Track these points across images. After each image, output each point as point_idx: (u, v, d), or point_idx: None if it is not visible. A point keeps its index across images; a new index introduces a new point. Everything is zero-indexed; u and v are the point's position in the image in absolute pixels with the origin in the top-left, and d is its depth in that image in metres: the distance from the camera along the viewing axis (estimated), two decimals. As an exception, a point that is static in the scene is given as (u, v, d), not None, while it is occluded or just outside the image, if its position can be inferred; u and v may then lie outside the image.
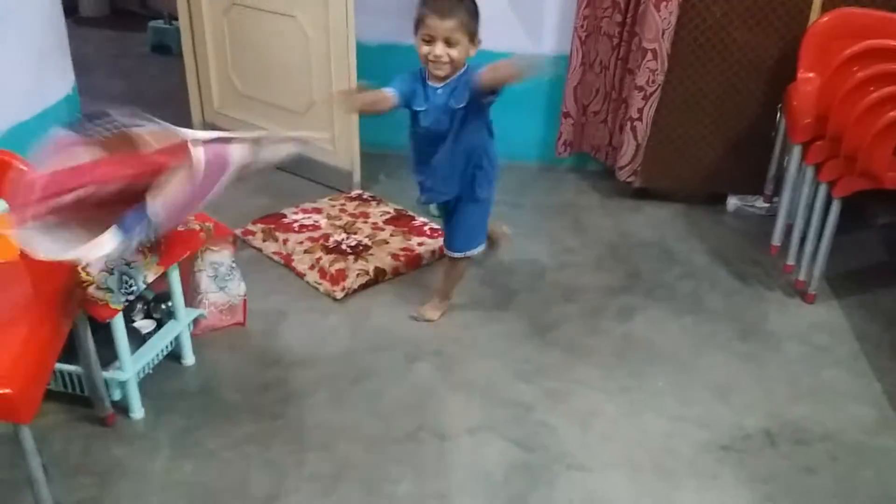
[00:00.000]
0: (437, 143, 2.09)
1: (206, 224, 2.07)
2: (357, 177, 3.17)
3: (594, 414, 2.01)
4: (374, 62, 3.18)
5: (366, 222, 2.85)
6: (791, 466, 1.87)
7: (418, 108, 2.06)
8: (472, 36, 1.97)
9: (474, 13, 1.97)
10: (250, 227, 2.80)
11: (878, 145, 2.20)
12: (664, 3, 2.78)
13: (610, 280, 2.63)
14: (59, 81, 2.52)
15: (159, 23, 5.23)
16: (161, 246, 1.86)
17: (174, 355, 2.12)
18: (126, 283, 1.75)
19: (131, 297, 1.78)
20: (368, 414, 1.99)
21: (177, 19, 4.98)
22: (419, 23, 1.97)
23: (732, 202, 3.12)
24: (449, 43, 1.94)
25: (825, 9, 2.72)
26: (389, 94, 2.02)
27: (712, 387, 2.13)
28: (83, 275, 1.71)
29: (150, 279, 1.82)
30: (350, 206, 2.98)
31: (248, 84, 3.36)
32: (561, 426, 1.97)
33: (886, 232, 3.01)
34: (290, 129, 3.27)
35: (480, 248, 2.29)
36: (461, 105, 2.01)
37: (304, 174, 3.29)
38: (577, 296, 2.53)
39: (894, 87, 2.17)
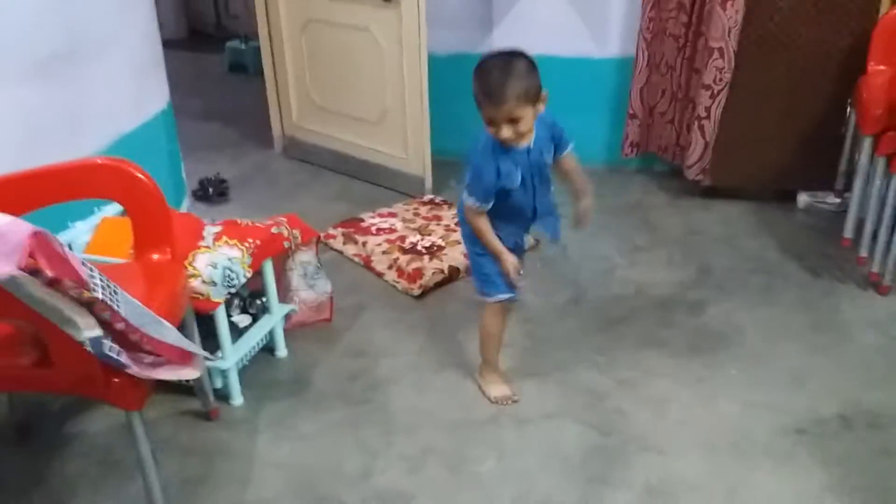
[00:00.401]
0: (535, 198, 1.97)
1: (293, 231, 2.23)
2: (429, 182, 3.30)
3: (668, 401, 2.08)
4: (444, 72, 3.32)
5: (438, 224, 2.97)
6: (867, 449, 1.90)
7: (513, 183, 1.87)
8: (535, 99, 1.78)
9: (529, 74, 1.76)
10: (331, 231, 2.96)
11: (952, 134, 2.20)
12: (730, 2, 2.83)
13: (681, 276, 2.69)
14: (157, 96, 2.73)
15: (235, 43, 5.49)
16: (253, 247, 2.02)
17: (268, 348, 2.27)
18: (228, 276, 1.90)
19: (233, 290, 1.93)
20: (450, 400, 2.10)
21: (252, 39, 5.28)
22: (478, 104, 1.80)
23: (803, 199, 3.13)
24: (512, 121, 1.77)
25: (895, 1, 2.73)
26: (483, 210, 1.89)
27: (786, 375, 2.16)
28: (190, 269, 1.87)
29: (248, 275, 1.97)
30: (423, 210, 3.11)
31: (326, 97, 3.53)
32: (635, 412, 2.04)
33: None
34: (365, 138, 3.44)
35: None
36: (551, 160, 1.96)
37: (379, 181, 3.44)
38: (649, 291, 2.59)
39: (967, 75, 2.18)
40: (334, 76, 3.44)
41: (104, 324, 1.29)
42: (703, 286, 2.61)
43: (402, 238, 2.85)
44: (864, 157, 2.63)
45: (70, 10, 2.20)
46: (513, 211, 1.94)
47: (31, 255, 1.15)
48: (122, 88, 2.50)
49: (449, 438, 1.96)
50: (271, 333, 2.24)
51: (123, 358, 1.33)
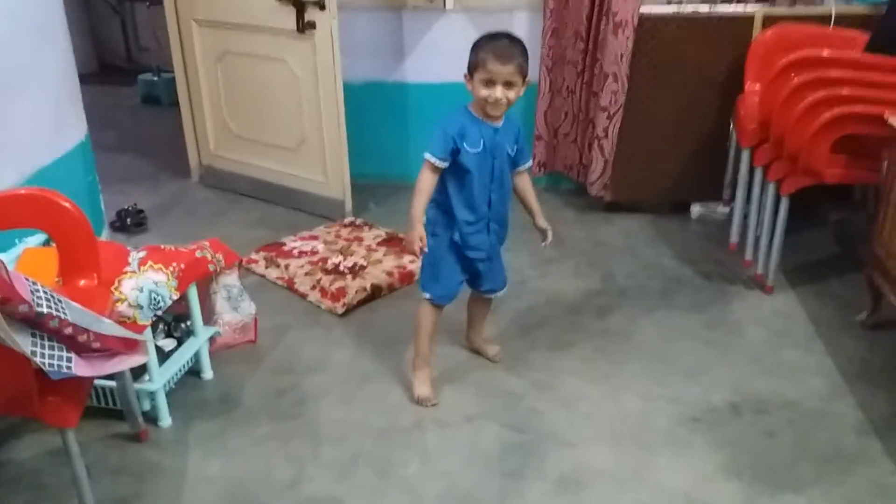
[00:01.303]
0: (492, 184, 2.11)
1: (217, 255, 2.30)
2: (349, 205, 3.41)
3: (578, 398, 2.24)
4: (359, 99, 3.46)
5: (360, 245, 3.08)
6: (754, 431, 2.10)
7: (474, 150, 2.04)
8: (525, 76, 2.02)
9: (526, 53, 2.01)
10: (253, 256, 3.02)
11: (816, 144, 2.46)
12: (621, 30, 3.07)
13: (587, 284, 2.88)
14: (74, 129, 2.75)
15: (148, 76, 5.49)
16: (178, 271, 2.08)
17: (194, 371, 2.32)
18: (154, 299, 1.96)
19: (159, 313, 1.99)
20: (376, 410, 2.20)
21: (165, 72, 5.29)
22: (478, 66, 1.98)
23: (696, 209, 3.39)
24: (508, 85, 1.98)
25: (766, 26, 3.02)
26: (437, 168, 2.05)
27: (683, 369, 2.36)
28: (116, 293, 1.93)
29: (175, 297, 2.04)
30: (344, 232, 3.22)
31: (243, 126, 3.61)
32: (549, 410, 2.19)
33: (837, 227, 3.29)
34: (284, 165, 3.52)
35: None
36: (514, 153, 2.14)
37: (299, 206, 3.52)
38: (558, 299, 2.77)
39: (826, 91, 2.44)
40: (251, 105, 3.52)
41: (53, 331, 1.35)
42: (607, 293, 2.81)
43: (325, 259, 2.95)
44: (743, 168, 2.89)
45: (-15, 45, 2.23)
46: (470, 194, 2.10)
47: None
48: (40, 121, 2.52)
49: (376, 445, 2.06)
50: (197, 356, 2.30)
51: (74, 365, 1.39)
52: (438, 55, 3.57)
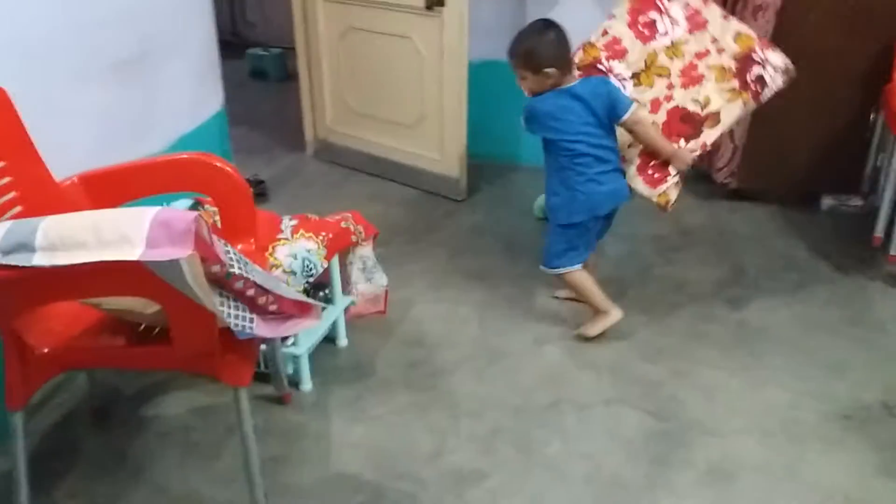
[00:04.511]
0: None
1: (358, 227, 2.32)
2: (464, 183, 3.40)
3: (719, 388, 2.18)
4: (476, 77, 3.43)
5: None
6: (913, 434, 2.01)
7: None
8: (534, 68, 2.24)
9: (531, 48, 2.25)
10: None
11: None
12: (761, 13, 2.95)
13: (716, 273, 2.80)
14: (213, 99, 2.83)
15: (257, 50, 5.57)
16: (326, 240, 2.11)
17: (329, 338, 2.36)
18: (307, 267, 1.99)
19: (311, 280, 2.02)
20: (509, 388, 2.19)
21: (273, 47, 5.37)
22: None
23: (827, 201, 3.25)
24: (521, 78, 2.30)
25: (918, 13, 2.87)
26: None
27: (827, 365, 2.28)
28: (271, 259, 1.96)
29: (325, 266, 2.06)
30: None
31: (362, 102, 3.63)
32: (689, 399, 2.14)
33: None
34: (400, 141, 3.53)
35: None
36: None
37: (412, 183, 3.53)
38: (688, 288, 2.70)
39: None
40: (371, 82, 3.54)
41: (238, 293, 1.38)
42: (739, 283, 2.72)
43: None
44: (894, 160, 2.75)
45: (142, 18, 2.32)
46: None
47: None
48: (183, 91, 2.60)
49: (514, 422, 2.06)
50: (334, 324, 2.33)
51: (255, 325, 1.41)
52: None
